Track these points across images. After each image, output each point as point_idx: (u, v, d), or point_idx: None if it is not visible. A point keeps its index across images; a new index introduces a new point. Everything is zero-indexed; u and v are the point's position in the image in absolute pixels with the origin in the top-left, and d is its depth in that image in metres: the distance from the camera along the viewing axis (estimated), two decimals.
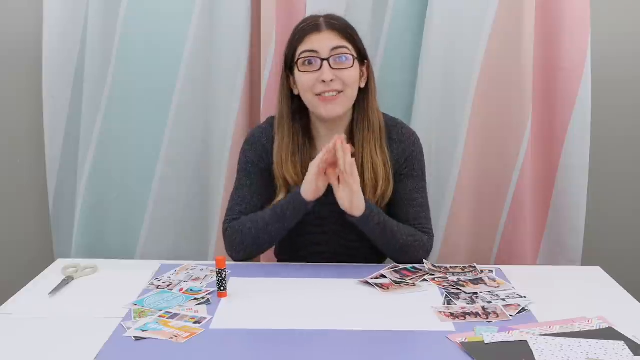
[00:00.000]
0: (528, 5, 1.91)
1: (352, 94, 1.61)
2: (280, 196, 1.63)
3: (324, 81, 1.56)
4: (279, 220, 1.60)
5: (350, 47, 1.59)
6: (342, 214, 1.64)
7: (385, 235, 1.59)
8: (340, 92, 1.58)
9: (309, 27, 1.60)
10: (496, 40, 1.93)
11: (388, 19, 1.98)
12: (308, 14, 1.90)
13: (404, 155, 1.67)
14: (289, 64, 1.62)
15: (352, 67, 1.58)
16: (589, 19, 1.94)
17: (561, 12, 1.95)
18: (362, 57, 1.63)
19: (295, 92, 1.64)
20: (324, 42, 1.57)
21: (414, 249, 1.63)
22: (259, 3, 1.95)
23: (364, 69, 1.64)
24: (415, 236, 1.63)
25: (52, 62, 2.02)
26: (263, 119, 1.94)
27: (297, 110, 1.65)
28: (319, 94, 1.58)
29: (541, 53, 1.98)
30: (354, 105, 1.65)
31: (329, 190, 1.64)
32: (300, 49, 1.59)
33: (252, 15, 1.96)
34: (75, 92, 2.05)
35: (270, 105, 1.97)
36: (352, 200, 1.54)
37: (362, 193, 1.56)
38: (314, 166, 1.54)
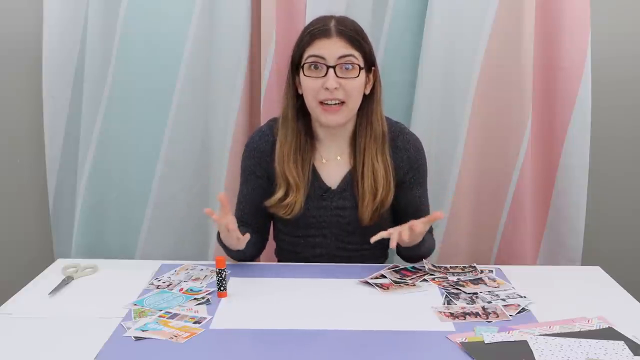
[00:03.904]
0: (528, 5, 1.91)
1: (354, 105, 1.60)
2: (279, 193, 1.63)
3: (327, 88, 1.55)
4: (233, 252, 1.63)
5: (357, 55, 1.57)
6: (343, 218, 1.64)
7: (415, 253, 1.65)
8: (342, 102, 1.57)
9: (318, 31, 1.57)
10: (496, 40, 1.93)
11: (388, 19, 1.98)
12: (308, 14, 1.90)
13: (408, 163, 1.66)
14: (296, 65, 1.61)
15: (357, 77, 1.56)
16: (589, 19, 1.94)
17: (561, 12, 1.95)
18: (369, 64, 1.61)
19: (300, 92, 1.63)
20: (332, 48, 1.55)
21: (427, 254, 1.68)
22: (259, 3, 1.95)
23: (371, 75, 1.62)
24: (430, 244, 1.68)
25: (52, 62, 2.02)
26: (263, 119, 1.95)
27: (300, 109, 1.65)
28: (321, 102, 1.57)
29: (541, 53, 1.98)
30: (358, 111, 1.64)
31: (329, 194, 1.64)
32: (308, 52, 1.57)
33: (252, 15, 1.96)
34: (75, 92, 2.05)
35: (270, 105, 1.97)
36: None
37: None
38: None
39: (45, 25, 1.99)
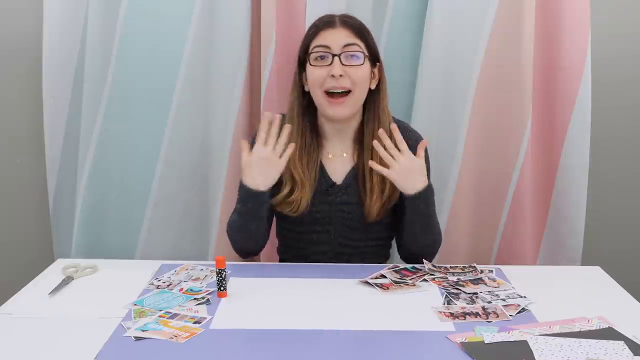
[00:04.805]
0: (528, 5, 1.91)
1: (360, 95, 1.62)
2: (284, 190, 1.63)
3: (333, 76, 1.57)
4: (251, 218, 1.59)
5: (362, 45, 1.61)
6: (347, 213, 1.64)
7: (424, 224, 1.61)
8: (348, 92, 1.59)
9: (323, 23, 1.63)
10: (496, 40, 1.93)
11: (388, 19, 1.98)
12: (308, 14, 1.90)
13: None
14: (302, 60, 1.64)
15: (362, 65, 1.60)
16: (589, 19, 1.94)
17: (561, 12, 1.95)
18: (374, 58, 1.64)
19: (306, 89, 1.65)
20: (336, 38, 1.59)
21: (436, 247, 1.67)
22: (259, 3, 1.95)
23: (376, 70, 1.65)
24: (439, 235, 1.67)
25: (52, 62, 2.01)
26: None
27: (306, 107, 1.66)
28: (327, 93, 1.59)
29: (541, 53, 1.98)
30: (364, 106, 1.66)
31: (334, 189, 1.64)
32: (313, 43, 1.61)
33: (252, 15, 1.96)
34: (75, 92, 2.05)
35: (270, 105, 1.97)
36: (404, 179, 1.57)
37: (415, 173, 1.56)
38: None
39: (45, 25, 1.99)
